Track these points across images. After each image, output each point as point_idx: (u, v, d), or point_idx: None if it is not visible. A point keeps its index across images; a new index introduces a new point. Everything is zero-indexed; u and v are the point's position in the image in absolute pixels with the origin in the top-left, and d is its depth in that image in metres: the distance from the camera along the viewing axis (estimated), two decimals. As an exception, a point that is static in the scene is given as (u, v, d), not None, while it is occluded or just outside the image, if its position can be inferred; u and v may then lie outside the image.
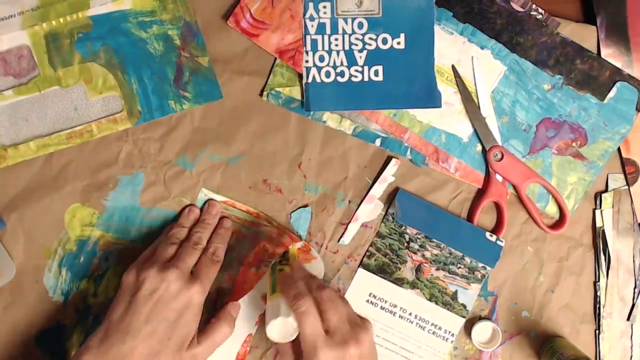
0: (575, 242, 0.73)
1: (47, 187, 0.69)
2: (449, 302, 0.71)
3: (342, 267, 0.72)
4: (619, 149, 0.72)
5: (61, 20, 0.68)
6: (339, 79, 0.70)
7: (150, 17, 0.69)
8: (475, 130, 0.71)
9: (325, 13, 0.69)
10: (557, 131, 0.71)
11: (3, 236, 0.69)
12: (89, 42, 0.68)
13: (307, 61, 0.69)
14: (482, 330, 0.72)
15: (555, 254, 0.73)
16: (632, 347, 0.72)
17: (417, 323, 0.72)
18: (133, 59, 0.69)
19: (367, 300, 0.72)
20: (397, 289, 0.71)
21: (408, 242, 0.71)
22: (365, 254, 0.72)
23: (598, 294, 0.72)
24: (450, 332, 0.71)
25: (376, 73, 0.70)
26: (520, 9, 0.70)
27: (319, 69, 0.70)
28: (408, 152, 0.71)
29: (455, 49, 0.70)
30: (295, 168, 0.71)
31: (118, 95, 0.69)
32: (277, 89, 0.70)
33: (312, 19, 0.69)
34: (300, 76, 0.70)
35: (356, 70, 0.70)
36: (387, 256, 0.71)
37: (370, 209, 0.71)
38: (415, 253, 0.71)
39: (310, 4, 0.69)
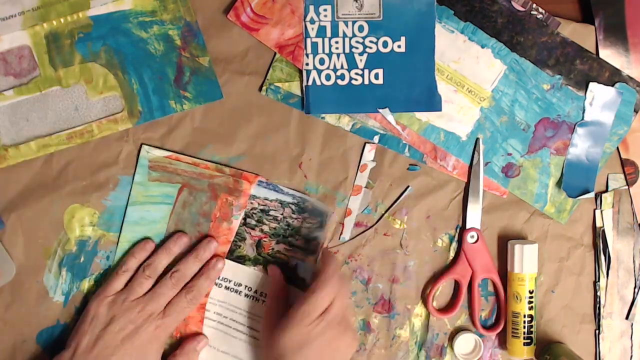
0: (576, 242, 0.73)
1: (47, 187, 0.69)
2: (292, 276, 0.70)
3: (343, 267, 0.72)
4: (618, 150, 0.72)
5: (62, 20, 0.68)
6: (339, 82, 0.70)
7: (151, 17, 0.69)
8: (465, 206, 0.72)
9: (325, 16, 0.70)
10: (556, 131, 0.71)
11: (3, 236, 0.69)
12: (90, 42, 0.68)
13: (307, 64, 0.70)
14: (464, 342, 0.72)
15: (555, 254, 0.73)
16: (632, 347, 0.72)
17: (263, 300, 0.70)
18: (133, 59, 0.69)
19: None
20: (239, 267, 0.70)
21: (245, 219, 0.70)
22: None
23: (598, 293, 0.72)
24: None
25: (376, 76, 0.70)
26: (521, 9, 0.70)
27: (319, 71, 0.70)
28: (406, 150, 0.71)
29: (456, 48, 0.70)
30: (296, 168, 0.71)
31: (118, 95, 0.69)
32: (276, 84, 0.70)
33: (312, 21, 0.70)
34: (299, 71, 0.70)
35: (356, 74, 0.70)
36: None
37: (360, 199, 0.71)
38: (253, 229, 0.70)
39: (311, 7, 0.69)
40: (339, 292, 0.62)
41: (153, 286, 0.67)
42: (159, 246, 0.69)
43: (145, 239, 0.69)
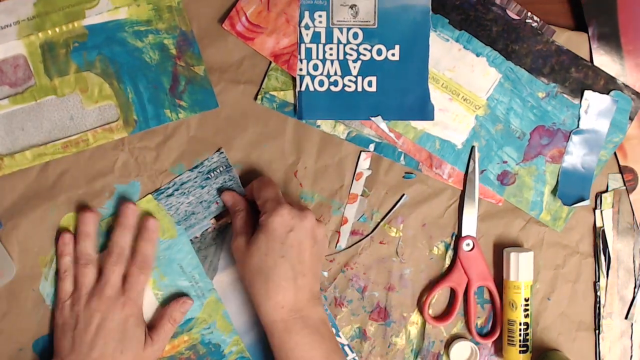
0: (572, 250, 0.73)
1: (43, 196, 0.69)
2: None
3: (339, 275, 0.72)
4: (616, 157, 0.72)
5: (57, 29, 0.68)
6: (333, 88, 0.70)
7: (146, 27, 0.69)
8: (460, 214, 0.72)
9: (320, 22, 0.70)
10: (551, 139, 0.71)
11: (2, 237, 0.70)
12: (85, 52, 0.68)
13: (300, 69, 0.70)
14: (460, 350, 0.72)
15: (551, 262, 0.73)
16: (632, 347, 0.72)
17: None
18: (129, 68, 0.69)
19: None
20: None
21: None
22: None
23: (598, 294, 0.72)
24: None
25: (370, 84, 0.70)
26: (516, 17, 0.70)
27: (313, 77, 0.70)
28: (402, 158, 0.71)
29: (451, 56, 0.70)
30: (292, 176, 0.71)
31: (114, 104, 0.69)
32: (272, 93, 0.71)
33: (307, 27, 0.70)
34: (294, 80, 0.70)
35: (350, 80, 0.70)
36: None
37: (356, 208, 0.72)
38: None
39: (306, 13, 0.69)
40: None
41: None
42: None
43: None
